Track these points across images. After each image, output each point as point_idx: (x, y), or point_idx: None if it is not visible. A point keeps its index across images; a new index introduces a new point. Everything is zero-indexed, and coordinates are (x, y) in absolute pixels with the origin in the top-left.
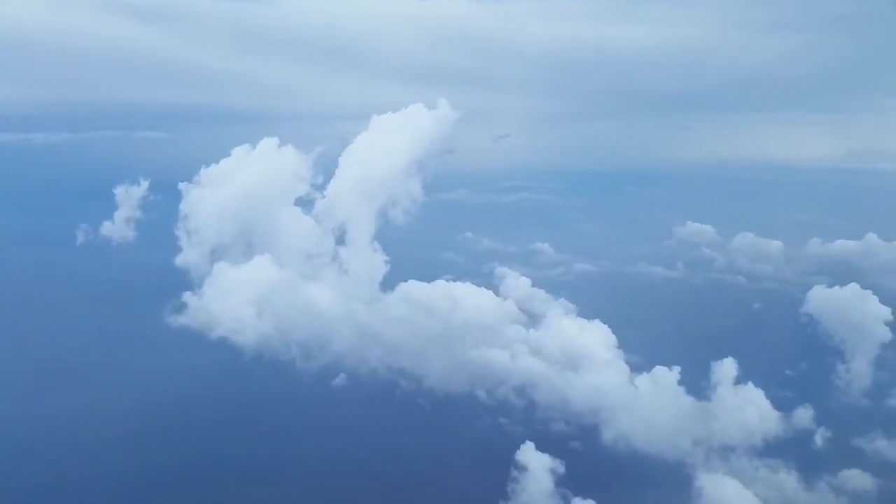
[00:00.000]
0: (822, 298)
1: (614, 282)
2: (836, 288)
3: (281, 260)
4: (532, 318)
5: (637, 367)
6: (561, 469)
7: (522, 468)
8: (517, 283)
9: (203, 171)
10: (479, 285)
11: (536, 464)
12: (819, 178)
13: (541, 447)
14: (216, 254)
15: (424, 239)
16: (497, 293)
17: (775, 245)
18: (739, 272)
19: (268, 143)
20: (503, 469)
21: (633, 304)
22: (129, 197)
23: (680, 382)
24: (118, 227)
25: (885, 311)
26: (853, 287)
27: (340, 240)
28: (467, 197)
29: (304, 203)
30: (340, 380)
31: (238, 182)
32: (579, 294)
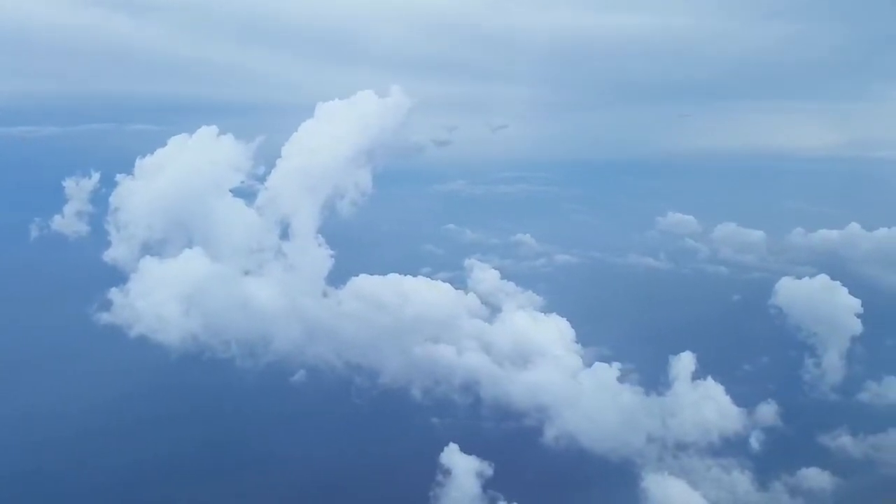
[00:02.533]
0: (790, 290)
1: (594, 273)
2: (806, 279)
3: (216, 254)
4: (495, 313)
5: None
6: (489, 471)
7: (446, 471)
8: (485, 275)
9: (138, 161)
10: (454, 278)
11: (461, 466)
12: (817, 168)
13: (476, 447)
14: (147, 248)
15: (407, 231)
16: (466, 286)
17: (757, 235)
18: (722, 263)
19: (205, 133)
20: (430, 472)
21: (609, 296)
22: (80, 190)
23: (639, 378)
24: (68, 222)
25: (855, 303)
26: (822, 278)
27: (287, 233)
28: (464, 188)
29: (249, 195)
30: (299, 377)
31: (171, 173)
32: (555, 286)
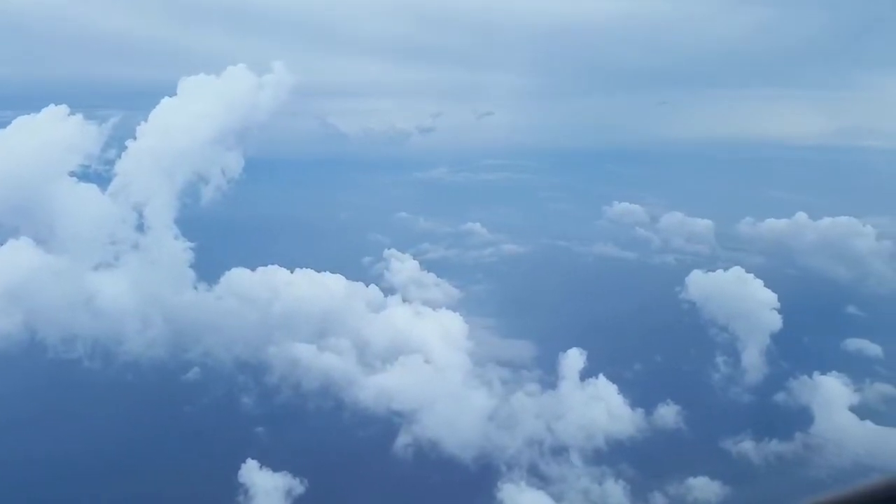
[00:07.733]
0: (702, 284)
1: (536, 263)
2: (719, 272)
3: (56, 245)
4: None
5: (511, 360)
6: (300, 488)
7: (246, 491)
8: (403, 266)
9: None
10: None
11: (261, 485)
12: (796, 156)
13: (299, 461)
14: None
15: (361, 219)
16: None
17: (704, 224)
18: (678, 251)
19: (52, 112)
20: (232, 491)
21: (539, 288)
22: None
23: (540, 375)
24: None
25: (771, 297)
26: (736, 271)
27: (151, 221)
28: (445, 176)
29: (104, 181)
30: (193, 374)
31: (6, 156)
32: (488, 276)
